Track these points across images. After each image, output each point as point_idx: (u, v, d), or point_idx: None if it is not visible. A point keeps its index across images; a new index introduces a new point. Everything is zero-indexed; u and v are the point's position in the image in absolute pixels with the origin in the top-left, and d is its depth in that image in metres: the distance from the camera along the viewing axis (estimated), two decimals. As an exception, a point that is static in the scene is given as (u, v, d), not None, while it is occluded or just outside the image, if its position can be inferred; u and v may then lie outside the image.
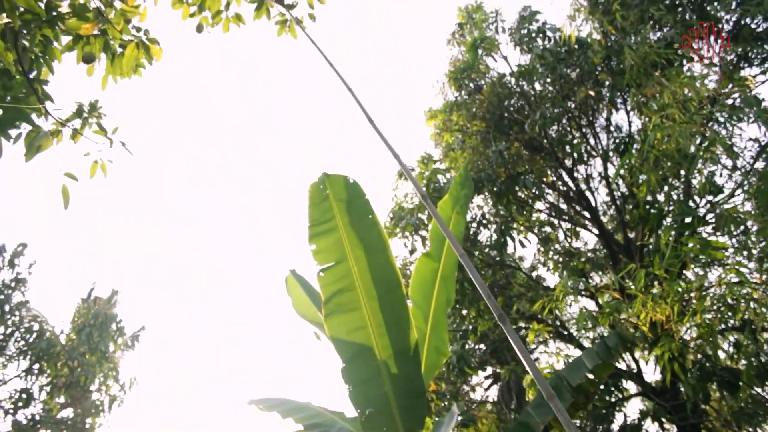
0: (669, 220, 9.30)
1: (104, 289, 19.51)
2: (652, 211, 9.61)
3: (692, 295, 7.03)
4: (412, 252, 11.61)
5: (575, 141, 11.94)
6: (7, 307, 16.84)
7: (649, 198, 9.35)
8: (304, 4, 6.39)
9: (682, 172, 8.91)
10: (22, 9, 4.32)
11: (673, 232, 7.44)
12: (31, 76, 4.99)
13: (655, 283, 7.68)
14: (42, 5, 4.69)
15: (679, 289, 6.79)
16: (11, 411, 16.48)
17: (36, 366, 17.00)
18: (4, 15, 3.79)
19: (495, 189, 10.87)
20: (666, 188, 9.34)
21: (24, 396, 16.69)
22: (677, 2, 10.64)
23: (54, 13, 4.67)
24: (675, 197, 9.18)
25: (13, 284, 17.27)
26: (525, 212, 12.67)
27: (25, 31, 4.79)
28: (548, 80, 11.87)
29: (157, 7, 5.88)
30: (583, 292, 10.77)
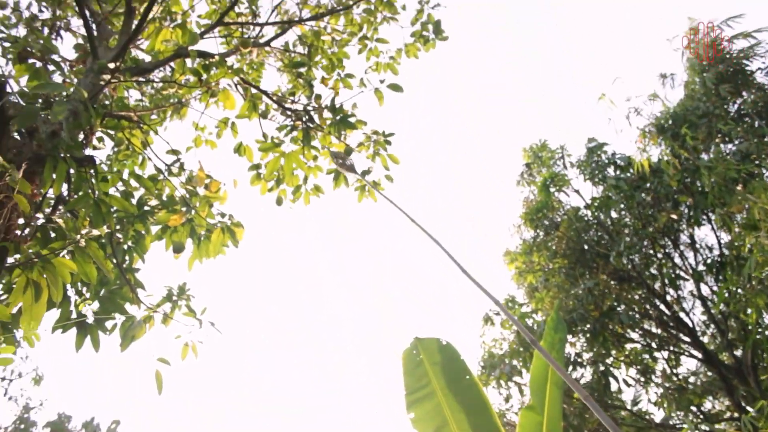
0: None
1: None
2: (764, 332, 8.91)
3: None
4: (507, 399, 11.07)
5: (662, 263, 11.45)
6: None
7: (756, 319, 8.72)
8: (379, 166, 6.57)
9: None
10: (114, 208, 4.58)
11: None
12: (124, 267, 5.21)
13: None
14: (134, 201, 4.98)
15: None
16: None
17: None
18: (105, 227, 4.00)
19: (588, 327, 10.40)
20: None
21: None
22: (743, 113, 10.51)
23: (145, 208, 4.93)
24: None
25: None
26: (621, 345, 11.98)
27: (119, 227, 5.05)
28: (624, 208, 11.64)
29: (236, 187, 6.17)
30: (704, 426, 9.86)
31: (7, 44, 5.56)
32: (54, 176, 3.89)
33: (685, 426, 7.82)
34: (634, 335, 12.49)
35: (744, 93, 10.67)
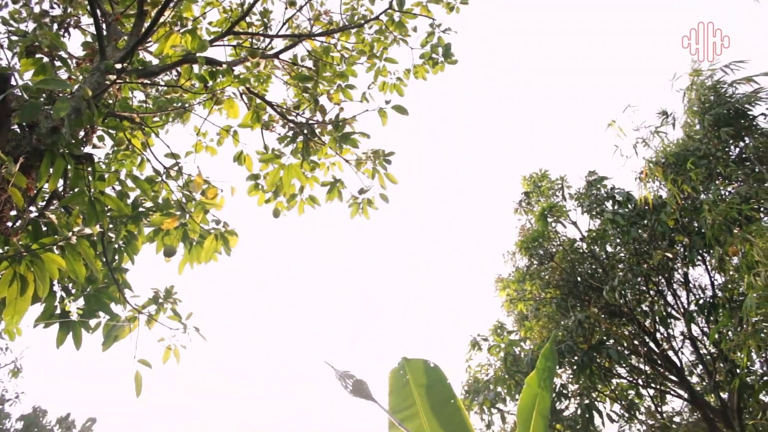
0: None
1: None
2: (750, 377, 8.89)
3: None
4: (488, 426, 11.01)
5: (654, 300, 11.46)
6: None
7: (745, 360, 8.71)
8: (377, 185, 6.58)
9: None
10: (108, 207, 4.58)
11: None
12: (113, 266, 5.19)
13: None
14: (129, 202, 4.98)
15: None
16: None
17: None
18: (97, 226, 4.00)
19: (575, 359, 10.37)
20: (763, 352, 8.72)
21: None
22: (744, 156, 10.57)
23: (140, 209, 4.92)
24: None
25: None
26: (607, 380, 11.94)
27: (111, 226, 5.04)
28: (620, 243, 11.67)
29: (233, 195, 6.18)
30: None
31: (15, 38, 5.60)
32: (51, 171, 3.89)
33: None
34: (622, 371, 12.46)
35: (746, 138, 10.73)
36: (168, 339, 5.58)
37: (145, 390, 5.04)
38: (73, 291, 4.99)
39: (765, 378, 8.77)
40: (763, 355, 9.12)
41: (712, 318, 10.71)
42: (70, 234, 3.39)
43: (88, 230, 3.53)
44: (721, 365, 10.87)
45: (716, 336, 9.68)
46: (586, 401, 10.13)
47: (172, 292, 5.67)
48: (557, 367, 10.73)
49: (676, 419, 12.26)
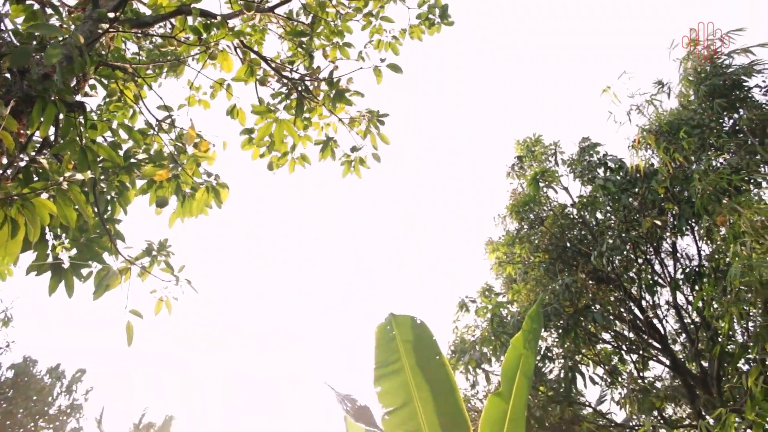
0: (750, 353, 8.73)
1: (159, 415, 19.37)
2: (729, 344, 9.06)
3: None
4: (473, 386, 11.20)
5: (641, 269, 11.59)
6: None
7: (726, 328, 8.87)
8: (369, 144, 6.59)
9: (761, 302, 8.46)
10: (101, 157, 4.58)
11: (760, 374, 6.89)
12: (105, 217, 5.21)
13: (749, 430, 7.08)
14: (121, 153, 4.98)
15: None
16: None
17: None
18: (89, 172, 4.01)
19: (561, 323, 10.52)
20: (745, 321, 8.87)
21: None
22: (737, 128, 10.58)
23: (132, 161, 4.93)
24: (756, 330, 8.66)
25: (68, 411, 17.43)
26: (592, 345, 12.14)
27: (103, 177, 5.05)
28: (610, 210, 11.74)
29: (226, 149, 6.17)
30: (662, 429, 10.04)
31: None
32: (42, 119, 3.88)
33: (642, 426, 7.96)
34: (606, 336, 12.67)
35: (740, 109, 10.73)
36: (160, 291, 5.63)
37: (137, 342, 5.11)
38: (65, 240, 5.03)
39: (745, 345, 8.93)
40: (744, 323, 9.28)
41: (697, 287, 10.85)
42: (61, 179, 3.41)
43: (79, 176, 3.54)
44: (704, 334, 11.05)
45: (700, 304, 9.83)
46: (570, 363, 10.30)
47: (166, 245, 5.70)
48: (543, 330, 10.91)
49: (657, 384, 12.51)
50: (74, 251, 5.02)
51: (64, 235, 4.82)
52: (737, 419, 6.66)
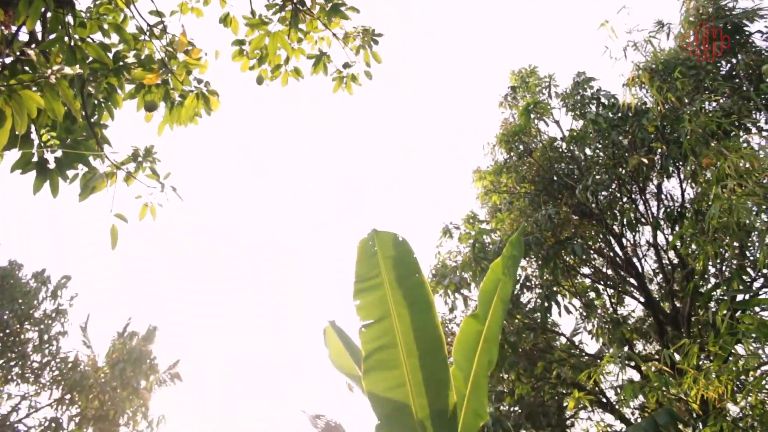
0: (719, 292, 9.00)
1: (143, 325, 19.64)
2: (704, 284, 9.31)
3: (749, 373, 6.73)
4: (452, 310, 11.49)
5: (625, 207, 11.74)
6: (46, 336, 17.16)
7: (701, 269, 9.09)
8: (361, 62, 6.50)
9: (737, 245, 8.66)
10: (91, 58, 4.50)
11: (727, 310, 7.14)
12: (92, 120, 5.17)
13: (705, 356, 7.39)
14: (110, 55, 4.89)
15: (735, 368, 6.50)
16: (40, 439, 16.66)
17: (68, 396, 17.18)
18: (77, 66, 3.94)
19: (542, 253, 10.72)
20: (719, 261, 9.09)
21: (53, 425, 16.87)
22: (734, 73, 10.52)
23: (121, 63, 4.84)
24: (729, 271, 8.89)
25: (53, 315, 17.66)
26: (570, 277, 12.42)
27: (91, 78, 4.98)
28: (600, 146, 11.78)
29: (218, 58, 6.07)
30: (629, 363, 10.42)
31: None
32: (29, 13, 3.79)
33: (609, 354, 8.26)
34: (585, 270, 12.96)
35: (739, 54, 10.62)
36: (145, 197, 5.64)
37: (124, 252, 5.18)
38: (52, 142, 4.99)
39: (716, 284, 9.20)
40: (719, 264, 9.49)
41: (677, 227, 11.04)
42: (49, 72, 3.36)
43: (68, 70, 3.50)
44: (679, 274, 11.33)
45: (678, 243, 10.02)
46: (547, 293, 10.57)
47: (152, 151, 5.68)
48: (523, 259, 11.13)
49: (631, 321, 12.92)
50: (60, 153, 5.00)
51: (51, 135, 4.78)
52: (699, 351, 6.94)
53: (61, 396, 17.22)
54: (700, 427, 7.67)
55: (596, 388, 11.33)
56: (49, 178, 4.78)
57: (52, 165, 4.84)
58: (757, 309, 8.14)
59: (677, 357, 7.28)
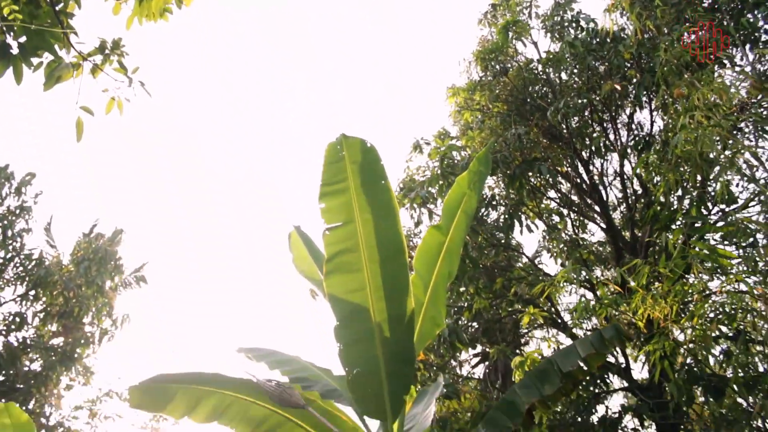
0: (679, 222, 9.27)
1: (109, 227, 19.52)
2: (664, 212, 9.56)
3: (694, 297, 7.05)
4: (417, 224, 11.67)
5: (595, 134, 11.87)
6: (9, 233, 17.01)
7: (662, 199, 9.31)
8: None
9: (699, 177, 8.87)
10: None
11: (682, 236, 7.41)
12: (58, 8, 5.01)
13: (657, 282, 7.70)
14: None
15: (681, 290, 6.80)
16: (3, 333, 16.79)
17: (32, 292, 17.19)
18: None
19: (509, 172, 10.85)
20: (681, 191, 9.31)
21: (17, 320, 16.97)
22: (716, 6, 10.46)
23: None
24: (689, 201, 9.14)
25: (17, 211, 17.43)
26: (536, 199, 12.65)
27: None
28: (575, 70, 11.76)
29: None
30: (584, 283, 10.81)
31: None
32: None
33: (564, 270, 8.56)
34: (551, 194, 13.19)
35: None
36: (113, 90, 5.54)
37: (91, 150, 5.13)
38: (15, 29, 4.84)
39: (675, 210, 9.43)
40: (680, 193, 9.72)
41: (644, 156, 11.23)
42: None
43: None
44: (642, 206, 11.59)
45: (641, 170, 10.20)
46: (511, 210, 10.78)
47: (120, 44, 5.54)
48: (490, 176, 11.27)
49: (591, 244, 13.30)
50: (24, 39, 4.87)
51: (13, 9, 4.61)
52: (651, 274, 7.22)
53: (25, 291, 17.24)
54: (644, 344, 8.08)
55: (552, 309, 11.77)
56: (12, 64, 4.67)
57: (15, 51, 4.72)
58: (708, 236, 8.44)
59: (630, 280, 7.59)
